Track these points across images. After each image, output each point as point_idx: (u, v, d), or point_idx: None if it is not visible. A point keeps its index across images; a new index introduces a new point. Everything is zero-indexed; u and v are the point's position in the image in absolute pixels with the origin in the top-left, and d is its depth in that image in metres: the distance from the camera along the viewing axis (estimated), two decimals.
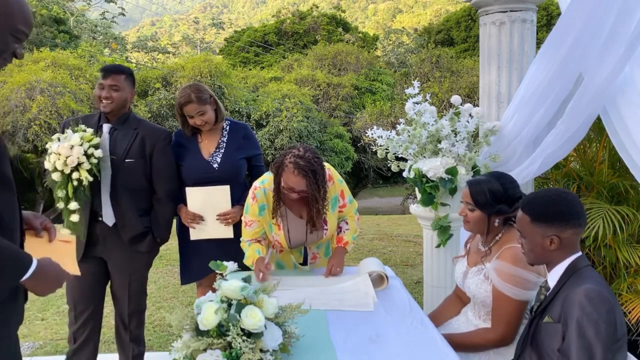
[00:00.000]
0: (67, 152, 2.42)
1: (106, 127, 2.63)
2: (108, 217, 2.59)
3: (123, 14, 28.28)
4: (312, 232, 2.50)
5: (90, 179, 2.46)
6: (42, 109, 12.25)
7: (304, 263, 2.66)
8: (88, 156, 2.45)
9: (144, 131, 2.66)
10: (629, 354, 1.75)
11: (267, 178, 2.46)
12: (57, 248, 1.53)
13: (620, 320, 1.57)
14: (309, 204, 2.38)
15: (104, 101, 2.59)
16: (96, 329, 2.70)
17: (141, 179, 2.63)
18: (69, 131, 2.50)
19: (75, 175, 2.44)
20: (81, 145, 2.44)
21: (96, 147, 2.48)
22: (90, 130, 2.54)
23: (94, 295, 2.66)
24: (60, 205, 2.48)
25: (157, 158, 2.66)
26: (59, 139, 2.47)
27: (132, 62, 23.18)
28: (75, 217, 2.48)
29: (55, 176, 2.46)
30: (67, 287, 2.67)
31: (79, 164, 2.43)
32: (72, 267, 1.49)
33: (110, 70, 2.64)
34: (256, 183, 2.51)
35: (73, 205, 2.46)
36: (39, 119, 12.25)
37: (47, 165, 2.46)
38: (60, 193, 2.46)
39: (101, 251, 2.62)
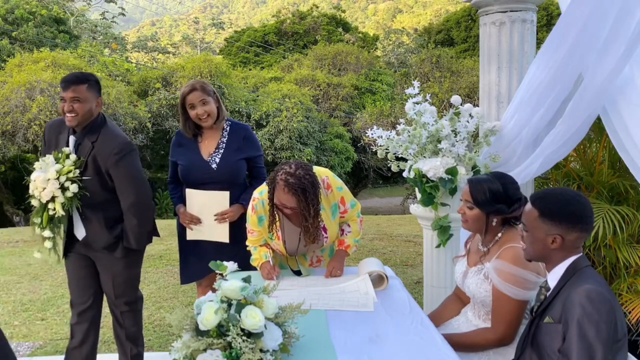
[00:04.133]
0: (42, 184, 2.39)
1: (72, 140, 2.53)
2: (79, 230, 2.56)
3: (123, 14, 28.30)
4: (307, 245, 2.48)
5: (62, 213, 2.43)
6: (42, 109, 12.25)
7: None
8: (64, 189, 2.40)
9: (97, 147, 2.49)
10: (629, 354, 1.75)
11: (265, 189, 2.41)
12: None
13: (620, 321, 1.57)
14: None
15: (68, 115, 2.45)
16: (95, 324, 2.69)
17: (101, 193, 2.52)
18: (50, 158, 2.43)
19: (51, 205, 2.42)
20: (57, 179, 2.39)
21: (72, 181, 2.41)
22: (73, 157, 2.46)
23: (90, 288, 2.66)
24: (37, 231, 2.48)
25: (113, 174, 2.51)
26: (40, 167, 2.44)
27: (132, 62, 23.18)
28: (48, 244, 2.46)
29: (34, 202, 2.46)
30: (68, 281, 2.69)
31: (54, 197, 2.41)
32: None
33: (69, 82, 2.46)
34: (255, 193, 2.49)
35: (46, 233, 2.45)
36: (39, 119, 12.25)
37: (30, 189, 2.45)
38: (36, 219, 2.46)
39: (85, 251, 2.62)
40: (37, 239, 2.53)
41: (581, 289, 1.57)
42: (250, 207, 2.49)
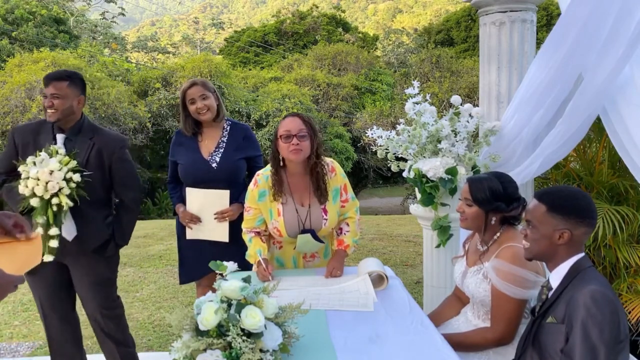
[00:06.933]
0: (47, 178, 2.34)
1: (60, 138, 2.52)
2: (69, 230, 2.50)
3: (123, 14, 28.35)
4: (310, 217, 2.48)
5: (71, 204, 2.39)
6: (42, 109, 12.24)
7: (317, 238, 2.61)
8: (67, 181, 2.38)
9: (100, 142, 2.53)
10: (630, 355, 1.75)
11: (268, 167, 2.50)
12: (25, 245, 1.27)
13: (623, 322, 1.57)
14: (312, 172, 2.43)
15: (48, 110, 2.47)
16: (71, 332, 2.66)
17: (99, 190, 2.54)
18: (44, 154, 2.40)
19: (55, 200, 2.37)
20: (60, 170, 2.37)
21: (74, 171, 2.40)
22: (62, 151, 2.44)
23: (61, 301, 2.62)
24: (40, 230, 2.39)
25: (117, 168, 2.55)
26: (34, 163, 2.38)
27: (132, 62, 23.18)
28: (54, 243, 2.41)
29: (34, 202, 2.37)
30: (38, 294, 2.62)
31: (60, 189, 2.37)
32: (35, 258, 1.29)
33: (51, 78, 2.49)
34: (259, 172, 2.54)
35: (53, 231, 2.39)
36: (38, 119, 12.25)
37: (24, 190, 2.36)
38: (40, 219, 2.37)
39: (61, 257, 2.52)
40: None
41: (585, 290, 1.57)
42: (252, 182, 2.52)
